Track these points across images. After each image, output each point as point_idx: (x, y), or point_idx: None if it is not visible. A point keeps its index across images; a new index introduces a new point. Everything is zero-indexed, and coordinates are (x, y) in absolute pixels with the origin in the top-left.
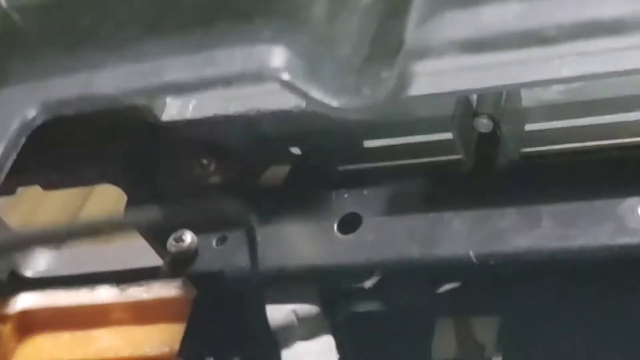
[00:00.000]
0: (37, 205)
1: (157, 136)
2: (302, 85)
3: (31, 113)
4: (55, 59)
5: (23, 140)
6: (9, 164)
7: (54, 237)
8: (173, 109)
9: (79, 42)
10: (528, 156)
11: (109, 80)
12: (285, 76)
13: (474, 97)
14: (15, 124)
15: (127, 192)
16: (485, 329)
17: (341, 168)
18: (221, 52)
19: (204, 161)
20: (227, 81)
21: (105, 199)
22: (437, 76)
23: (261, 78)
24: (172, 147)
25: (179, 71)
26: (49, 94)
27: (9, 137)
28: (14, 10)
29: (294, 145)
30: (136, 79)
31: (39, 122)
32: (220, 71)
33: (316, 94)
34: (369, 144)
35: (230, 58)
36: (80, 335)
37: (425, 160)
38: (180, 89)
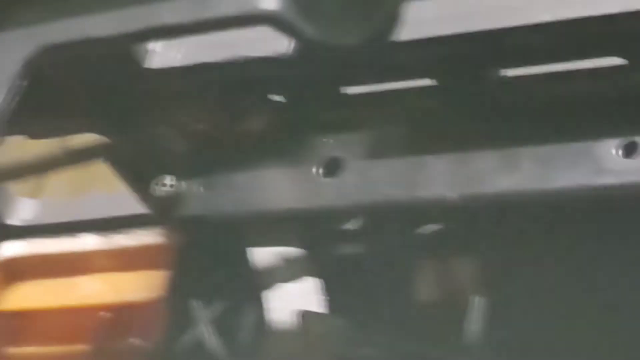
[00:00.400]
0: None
1: (142, 83)
2: (296, 25)
3: (31, 56)
4: (52, 3)
5: (24, 83)
6: (10, 105)
7: (36, 168)
8: (161, 57)
9: None
10: (508, 100)
11: (106, 23)
12: (280, 16)
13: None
14: (16, 67)
15: (110, 140)
16: (466, 270)
17: (322, 113)
18: None
19: (188, 108)
20: (222, 23)
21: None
22: (429, 21)
23: (256, 19)
24: (156, 93)
25: (174, 14)
26: (47, 37)
27: (10, 78)
28: None
29: (277, 92)
30: (132, 22)
31: (39, 65)
32: (216, 13)
33: (310, 33)
34: (349, 90)
35: (225, 0)
36: (64, 282)
37: (407, 105)
38: (175, 31)
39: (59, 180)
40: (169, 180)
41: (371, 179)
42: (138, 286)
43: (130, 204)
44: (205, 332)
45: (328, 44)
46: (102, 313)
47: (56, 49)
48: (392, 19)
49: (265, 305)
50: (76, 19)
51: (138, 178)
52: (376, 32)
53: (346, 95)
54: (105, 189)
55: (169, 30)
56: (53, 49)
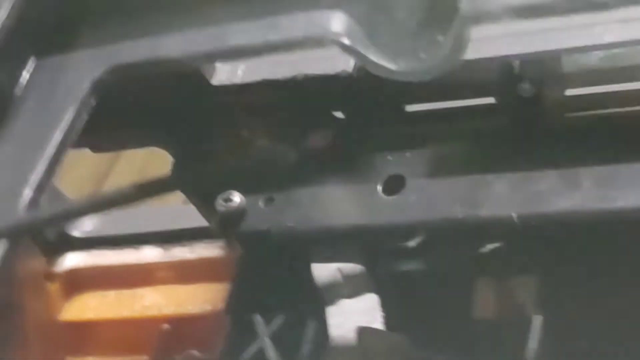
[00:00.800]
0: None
1: (205, 99)
2: (361, 49)
3: (102, 76)
4: (122, 24)
5: (93, 102)
6: (80, 125)
7: (105, 204)
8: (222, 74)
9: (144, 7)
10: (569, 120)
11: (175, 44)
12: (346, 40)
13: (517, 61)
14: (86, 87)
15: (174, 156)
16: (526, 290)
17: (384, 131)
18: (283, 17)
19: (251, 124)
20: (289, 45)
21: (133, 165)
22: (491, 41)
23: (322, 42)
24: (220, 109)
25: (243, 35)
26: (118, 58)
27: (80, 98)
28: None
29: (338, 109)
30: (201, 43)
31: (108, 84)
32: (283, 36)
33: (375, 57)
34: (411, 108)
35: (293, 23)
36: (125, 293)
37: (468, 124)
38: (243, 53)
39: (79, 169)
40: (233, 195)
41: (432, 197)
42: (198, 298)
43: (191, 216)
44: (266, 346)
45: (394, 70)
46: (162, 325)
47: (125, 69)
48: (459, 43)
49: (325, 321)
50: (146, 40)
51: (202, 192)
52: (443, 57)
53: (409, 112)
54: (158, 203)
55: (237, 52)
56: (122, 69)
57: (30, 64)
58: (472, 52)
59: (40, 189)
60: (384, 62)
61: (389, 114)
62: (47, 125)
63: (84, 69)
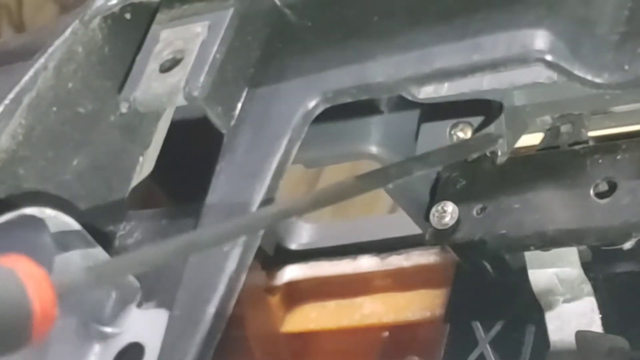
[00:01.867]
0: None
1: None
2: (565, 64)
3: (312, 104)
4: (328, 51)
5: (305, 129)
6: (294, 151)
7: (311, 206)
8: (429, 87)
9: (348, 35)
10: None
11: (381, 69)
12: (550, 57)
13: None
14: (298, 115)
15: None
16: None
17: (592, 134)
18: (486, 37)
19: (459, 130)
20: (493, 65)
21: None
22: None
23: (526, 61)
24: (431, 114)
25: (447, 58)
26: (327, 85)
27: (293, 126)
28: (287, 8)
29: (544, 114)
30: (406, 67)
31: (318, 111)
32: (487, 56)
33: (579, 72)
34: (618, 108)
35: (495, 43)
36: (344, 303)
37: None
38: (449, 75)
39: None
40: (447, 205)
41: None
42: (417, 306)
43: (405, 225)
44: (487, 353)
45: (600, 84)
46: (382, 333)
47: (334, 96)
48: None
49: (544, 326)
50: (352, 66)
51: (415, 203)
52: None
53: (616, 114)
54: (363, 212)
55: (442, 74)
56: (331, 97)
57: (244, 96)
58: None
59: None
60: (589, 76)
61: (596, 116)
62: (263, 155)
63: (295, 98)
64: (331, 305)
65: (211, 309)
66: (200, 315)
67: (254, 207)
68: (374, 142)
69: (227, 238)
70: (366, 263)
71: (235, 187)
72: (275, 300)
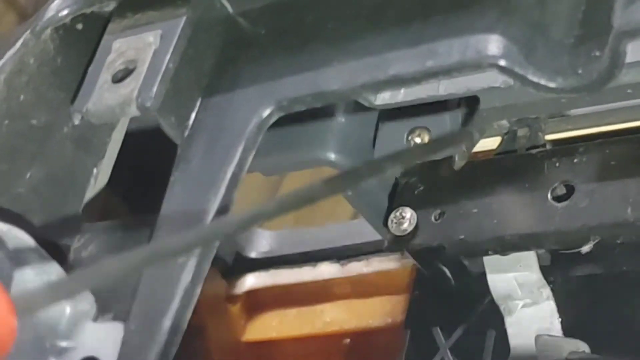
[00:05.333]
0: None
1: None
2: (519, 69)
3: (266, 112)
4: (282, 59)
5: (260, 137)
6: (249, 160)
7: (270, 214)
8: (386, 93)
9: (303, 42)
10: None
11: (336, 76)
12: (503, 62)
13: None
14: (252, 124)
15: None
16: None
17: (549, 137)
18: (440, 43)
19: (417, 136)
20: (448, 71)
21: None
22: None
23: (480, 66)
24: (388, 119)
25: (402, 64)
26: (281, 93)
27: (247, 135)
28: (241, 16)
29: (501, 118)
30: (361, 74)
31: (273, 120)
32: (441, 62)
33: (533, 76)
34: (575, 112)
35: (450, 49)
36: (305, 310)
37: (633, 123)
38: (403, 81)
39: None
40: (405, 211)
41: (603, 202)
42: (378, 312)
43: (364, 231)
44: (447, 359)
45: (553, 88)
46: (344, 340)
47: (289, 104)
48: (616, 57)
49: (504, 331)
50: (308, 74)
51: (374, 209)
52: (601, 72)
53: (571, 117)
54: (326, 221)
55: (397, 81)
56: (286, 105)
57: (198, 105)
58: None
59: None
60: (543, 81)
61: (552, 120)
62: (217, 165)
63: (249, 107)
64: (292, 313)
65: (167, 322)
66: (155, 329)
67: (209, 217)
68: (331, 148)
69: (187, 249)
70: (327, 270)
71: (190, 198)
72: (236, 309)
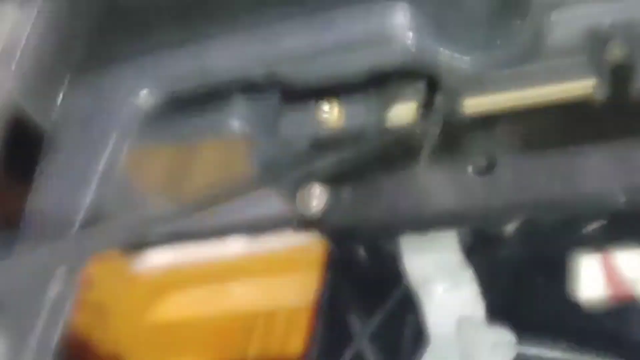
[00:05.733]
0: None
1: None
2: (430, 44)
3: (144, 91)
4: (162, 33)
5: (137, 122)
6: (124, 149)
7: (189, 212)
8: (291, 67)
9: (187, 14)
10: None
11: (223, 51)
12: (411, 36)
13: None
14: (128, 105)
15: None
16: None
17: (470, 110)
18: (339, 13)
19: (326, 106)
20: (347, 46)
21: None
22: (572, 21)
23: (385, 40)
24: (293, 94)
25: (296, 37)
26: (161, 70)
27: (122, 119)
28: None
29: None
30: (251, 48)
31: (152, 101)
32: (340, 35)
33: (446, 51)
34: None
35: (350, 20)
36: (214, 288)
37: (558, 95)
38: (298, 57)
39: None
40: (315, 187)
41: (527, 174)
42: (289, 291)
43: (275, 204)
44: (363, 347)
45: (470, 63)
46: (253, 319)
47: (171, 82)
48: (539, 29)
49: (424, 317)
50: (190, 49)
51: (283, 185)
52: (522, 44)
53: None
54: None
55: (293, 56)
56: (168, 83)
57: (67, 85)
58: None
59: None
60: (456, 55)
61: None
62: (87, 155)
63: (125, 85)
64: (201, 291)
65: (32, 340)
66: (23, 345)
67: (79, 217)
68: (237, 118)
69: (57, 264)
70: (235, 246)
71: (57, 194)
72: (139, 287)
